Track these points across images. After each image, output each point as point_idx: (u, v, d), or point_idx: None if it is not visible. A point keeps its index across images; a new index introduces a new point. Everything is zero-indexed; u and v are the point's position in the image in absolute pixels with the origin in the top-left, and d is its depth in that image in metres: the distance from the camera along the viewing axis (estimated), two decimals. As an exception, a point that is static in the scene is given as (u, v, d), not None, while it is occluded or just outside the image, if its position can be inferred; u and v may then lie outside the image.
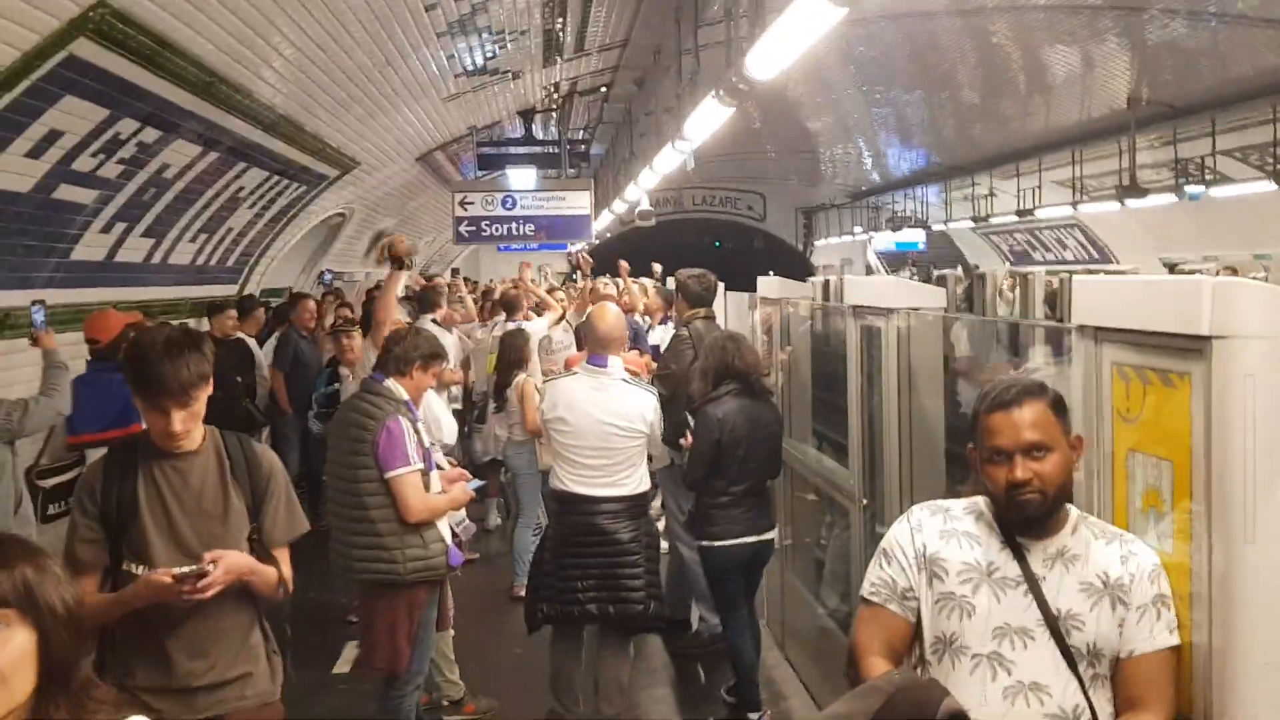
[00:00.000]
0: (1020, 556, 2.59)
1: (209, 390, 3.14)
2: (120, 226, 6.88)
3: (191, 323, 9.03)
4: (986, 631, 2.57)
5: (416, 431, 4.92)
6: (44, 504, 6.27)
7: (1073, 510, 2.63)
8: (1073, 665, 2.51)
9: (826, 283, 6.11)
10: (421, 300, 9.06)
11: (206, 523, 3.20)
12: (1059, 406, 2.60)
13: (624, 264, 10.77)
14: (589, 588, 5.33)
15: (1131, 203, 14.89)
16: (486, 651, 7.12)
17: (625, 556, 5.32)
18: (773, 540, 5.90)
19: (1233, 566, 2.34)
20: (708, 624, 6.94)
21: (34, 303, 5.67)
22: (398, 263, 5.90)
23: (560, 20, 8.92)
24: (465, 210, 12.84)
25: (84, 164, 5.80)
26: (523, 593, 7.80)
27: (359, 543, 4.87)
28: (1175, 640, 2.48)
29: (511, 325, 9.27)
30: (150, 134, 6.17)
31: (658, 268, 13.02)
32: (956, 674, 2.58)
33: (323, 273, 14.93)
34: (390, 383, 4.97)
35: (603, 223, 18.83)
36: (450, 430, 6.24)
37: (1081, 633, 2.51)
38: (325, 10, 6.28)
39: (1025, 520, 2.58)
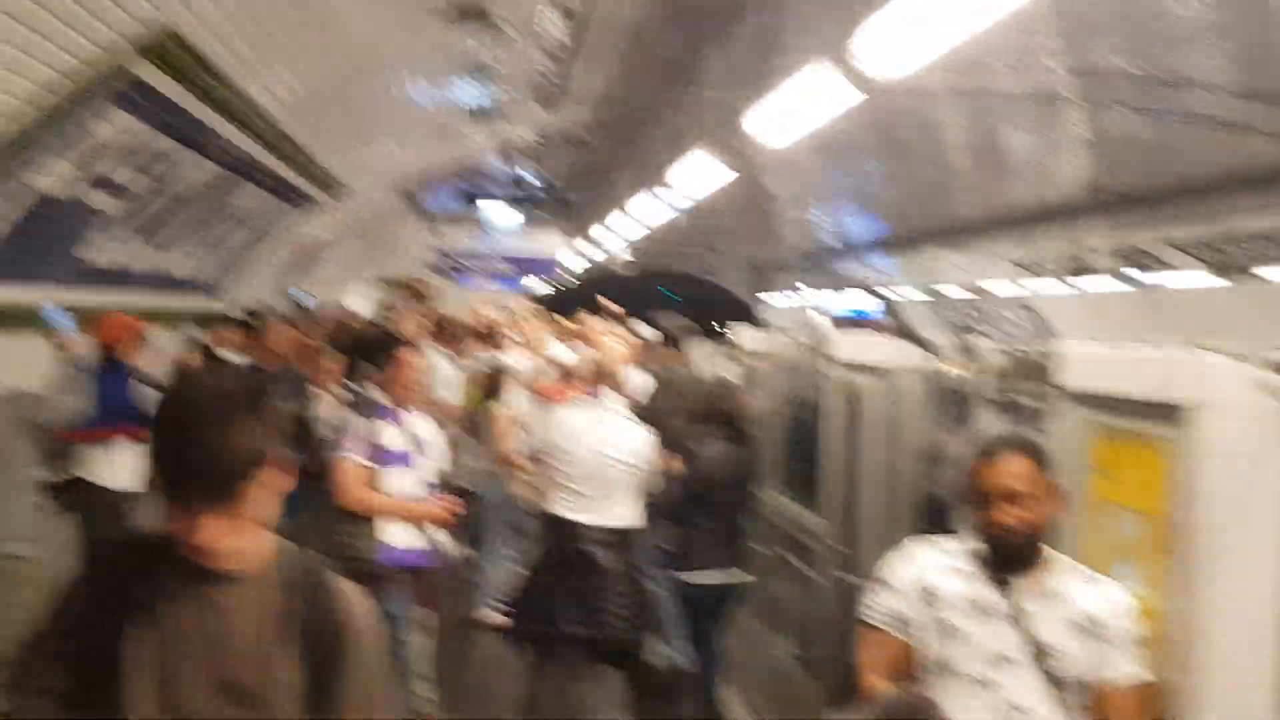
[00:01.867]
0: (1007, 592, 2.95)
1: (278, 479, 1.97)
2: (131, 234, 7.12)
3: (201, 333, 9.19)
4: (976, 657, 2.91)
5: (372, 429, 5.25)
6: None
7: (1059, 555, 2.99)
8: (1054, 692, 2.86)
9: (804, 336, 6.45)
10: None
11: (232, 703, 1.95)
12: (1040, 458, 2.97)
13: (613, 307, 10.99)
14: (569, 609, 5.57)
15: (1078, 286, 15.46)
16: (456, 677, 7.30)
17: (611, 584, 5.59)
18: (743, 579, 6.21)
19: (1196, 609, 2.71)
20: (669, 660, 7.20)
21: (58, 308, 5.90)
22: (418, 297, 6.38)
23: (558, 74, 9.30)
24: (441, 242, 13.16)
25: (120, 175, 6.06)
26: (487, 619, 8.11)
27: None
28: (1145, 673, 2.84)
29: (485, 356, 9.53)
30: (178, 151, 6.45)
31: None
32: (948, 694, 2.92)
33: (291, 291, 15.10)
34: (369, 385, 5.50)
35: (574, 265, 19.14)
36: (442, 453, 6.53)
37: (1061, 662, 2.86)
38: (349, 43, 6.62)
39: (1005, 557, 2.94)
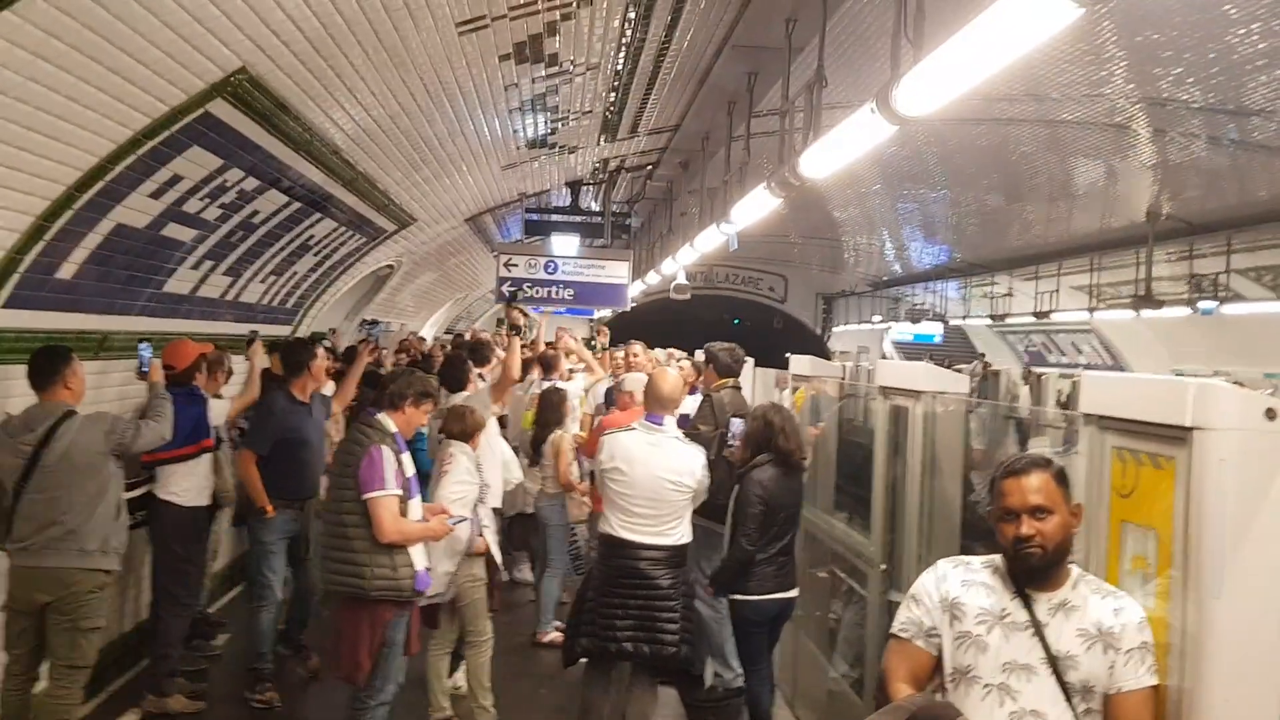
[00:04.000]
0: (1028, 605, 3.09)
1: None
2: (207, 264, 7.44)
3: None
4: (997, 666, 3.06)
5: (399, 461, 5.42)
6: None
7: (1074, 569, 3.13)
8: (1068, 698, 3.00)
9: (856, 366, 6.62)
10: (473, 352, 9.55)
11: None
12: (1062, 477, 3.11)
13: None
14: (627, 627, 5.77)
15: (1146, 313, 15.41)
16: (512, 690, 7.53)
17: (663, 601, 5.77)
18: (795, 599, 6.36)
19: (1202, 620, 2.83)
20: (722, 679, 7.35)
21: (141, 340, 6.23)
22: (515, 329, 7.23)
23: (621, 105, 9.54)
24: (509, 271, 13.50)
25: (192, 206, 6.39)
26: (546, 639, 8.35)
27: (334, 556, 5.40)
28: (1155, 681, 2.96)
29: (547, 384, 9.75)
30: (250, 183, 6.77)
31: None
32: (970, 700, 3.07)
33: (364, 321, 15.52)
34: (381, 416, 5.55)
35: (634, 292, 19.41)
36: (518, 472, 6.89)
37: (1077, 671, 2.99)
38: (419, 81, 6.89)
39: (1029, 571, 3.08)
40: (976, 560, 3.27)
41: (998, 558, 3.20)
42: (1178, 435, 2.86)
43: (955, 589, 3.19)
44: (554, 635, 8.28)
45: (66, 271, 5.67)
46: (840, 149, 5.74)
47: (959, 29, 3.91)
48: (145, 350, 6.16)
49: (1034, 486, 3.06)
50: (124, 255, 6.20)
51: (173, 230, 6.49)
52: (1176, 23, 7.97)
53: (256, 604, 7.20)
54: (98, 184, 5.20)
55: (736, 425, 6.58)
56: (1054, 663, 3.01)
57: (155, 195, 5.91)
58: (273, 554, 7.13)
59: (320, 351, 7.37)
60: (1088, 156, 12.45)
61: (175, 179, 5.91)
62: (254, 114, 5.81)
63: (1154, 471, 2.99)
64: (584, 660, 6.12)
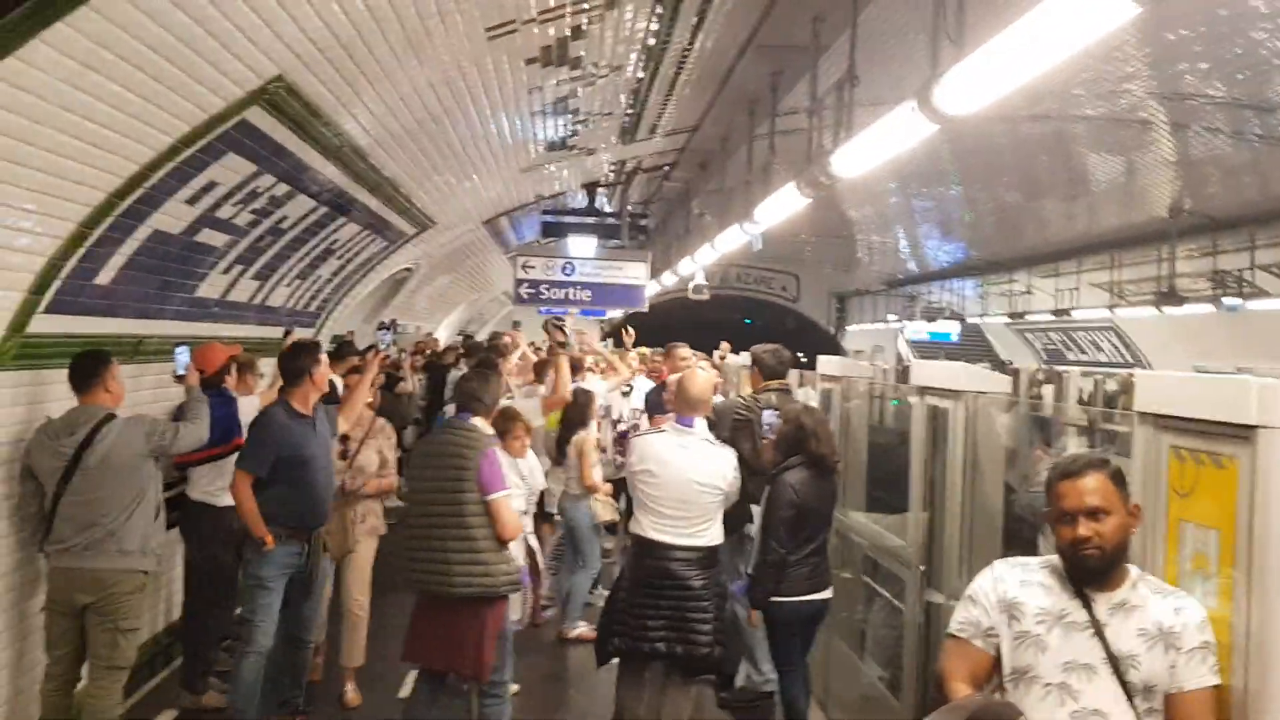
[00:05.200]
0: (1087, 605, 3.08)
1: None
2: (238, 269, 7.47)
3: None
4: (1057, 665, 3.05)
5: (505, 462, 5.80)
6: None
7: (1133, 569, 3.12)
8: (1130, 698, 2.99)
9: (872, 365, 6.60)
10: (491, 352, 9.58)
11: None
12: (1119, 478, 3.10)
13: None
14: (659, 627, 5.77)
15: (1168, 310, 15.33)
16: (542, 691, 7.53)
17: (695, 601, 5.77)
18: (829, 600, 6.34)
19: (1267, 620, 2.82)
20: (754, 680, 7.35)
21: (178, 344, 6.27)
22: (561, 344, 7.68)
23: (640, 108, 9.55)
24: (527, 273, 13.52)
25: (225, 212, 6.42)
26: (573, 634, 8.38)
27: (460, 559, 5.52)
28: (1217, 680, 2.95)
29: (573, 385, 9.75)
30: (281, 188, 6.80)
31: (726, 346, 13.58)
32: (1030, 700, 3.06)
33: (381, 324, 15.57)
34: (478, 420, 5.79)
35: (650, 292, 19.44)
36: (540, 476, 6.96)
37: (1138, 671, 2.99)
38: (447, 89, 6.92)
39: (1087, 572, 3.07)
40: (1034, 561, 3.27)
41: (1055, 558, 3.19)
42: (1241, 434, 2.85)
43: (1013, 589, 3.18)
44: (580, 630, 8.31)
45: (105, 277, 5.71)
46: (876, 147, 5.73)
47: (1002, 25, 3.89)
48: (182, 353, 6.19)
49: (1090, 488, 3.05)
50: (160, 261, 6.23)
51: (206, 236, 6.52)
52: (1202, 18, 7.96)
53: (240, 649, 6.07)
54: (137, 191, 5.23)
55: (769, 418, 6.58)
56: (1115, 662, 3.00)
57: (191, 201, 5.94)
58: (267, 590, 5.95)
59: (324, 357, 6.41)
60: (1109, 152, 12.44)
61: (211, 185, 5.94)
62: (288, 120, 5.84)
63: (1215, 470, 2.98)
64: (616, 660, 6.14)
